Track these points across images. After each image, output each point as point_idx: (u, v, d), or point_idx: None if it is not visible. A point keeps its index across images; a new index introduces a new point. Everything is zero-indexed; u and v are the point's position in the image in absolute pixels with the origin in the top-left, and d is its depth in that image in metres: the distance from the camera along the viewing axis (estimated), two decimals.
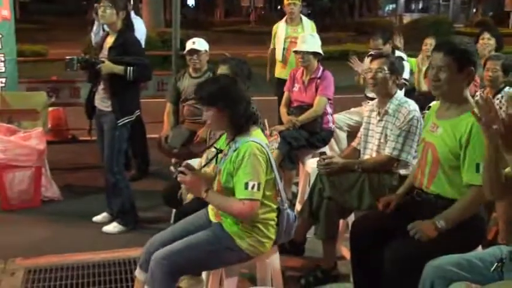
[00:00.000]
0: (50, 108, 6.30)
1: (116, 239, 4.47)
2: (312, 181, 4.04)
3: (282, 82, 5.84)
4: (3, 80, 5.59)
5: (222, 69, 4.22)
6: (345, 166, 3.71)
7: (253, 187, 2.74)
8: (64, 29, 23.68)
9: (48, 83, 6.69)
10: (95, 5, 4.42)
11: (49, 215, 4.94)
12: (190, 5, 40.95)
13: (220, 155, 2.98)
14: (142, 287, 2.99)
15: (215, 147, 3.07)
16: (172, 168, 3.11)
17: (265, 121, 4.27)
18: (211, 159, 3.05)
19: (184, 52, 5.14)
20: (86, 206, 5.09)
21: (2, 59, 5.55)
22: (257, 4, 33.87)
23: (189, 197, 3.48)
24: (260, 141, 2.84)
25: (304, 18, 6.47)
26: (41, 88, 6.28)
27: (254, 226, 2.89)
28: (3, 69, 5.57)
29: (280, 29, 6.44)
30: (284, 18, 6.48)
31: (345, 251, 3.94)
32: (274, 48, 6.54)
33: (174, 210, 4.09)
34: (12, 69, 5.66)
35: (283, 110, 5.23)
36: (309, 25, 6.40)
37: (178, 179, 2.90)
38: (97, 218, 4.75)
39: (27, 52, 12.62)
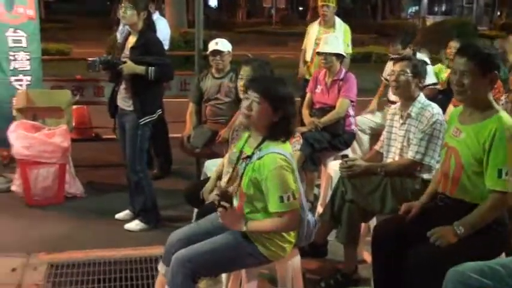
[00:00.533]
0: (74, 107, 6.37)
1: (137, 236, 4.51)
2: (334, 184, 4.04)
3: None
4: (29, 78, 5.65)
5: (245, 70, 4.23)
6: (368, 169, 3.70)
7: (288, 198, 2.75)
8: (88, 28, 23.92)
9: (73, 82, 6.76)
10: (120, 5, 4.46)
11: (72, 211, 5.00)
12: (213, 5, 41.06)
13: (242, 158, 2.97)
14: (164, 280, 3.02)
15: (237, 150, 3.08)
16: (212, 197, 3.16)
17: None
18: (236, 162, 3.05)
19: (207, 53, 5.17)
20: (108, 203, 5.14)
21: (27, 57, 5.62)
22: (279, 5, 33.87)
23: (211, 196, 3.49)
24: (284, 152, 2.81)
25: (338, 20, 6.34)
26: (66, 86, 6.35)
27: (275, 232, 2.90)
28: (28, 68, 5.64)
29: (313, 30, 6.40)
30: (318, 20, 6.44)
31: (366, 255, 3.93)
32: (305, 49, 6.51)
33: (195, 209, 4.12)
34: (37, 67, 5.73)
35: (305, 111, 5.22)
36: (342, 28, 6.31)
37: (219, 215, 2.91)
38: (119, 215, 4.79)
39: (51, 51, 12.78)
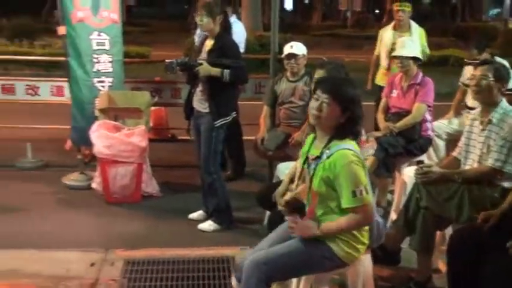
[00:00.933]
0: (153, 108, 6.54)
1: (210, 236, 4.59)
2: (408, 190, 3.95)
3: (382, 90, 5.73)
4: (111, 79, 5.84)
5: (319, 73, 4.22)
6: (444, 176, 3.60)
7: (361, 193, 2.76)
8: (167, 31, 24.53)
9: (152, 84, 6.94)
10: (196, 12, 4.56)
11: (148, 209, 5.15)
12: (288, 8, 41.11)
13: (310, 160, 2.99)
14: None
15: (302, 154, 3.09)
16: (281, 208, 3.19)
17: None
18: (303, 166, 3.05)
19: (282, 56, 5.19)
20: (183, 203, 5.25)
21: (110, 59, 5.80)
22: (355, 7, 33.45)
23: (284, 200, 3.50)
24: (352, 147, 2.84)
25: (414, 24, 6.20)
26: (145, 88, 6.52)
27: (349, 232, 2.88)
28: (110, 70, 5.83)
29: (387, 34, 6.29)
30: (392, 24, 6.32)
31: (441, 264, 3.82)
32: (378, 55, 6.41)
33: (267, 212, 4.14)
34: (119, 69, 5.92)
35: (380, 116, 5.14)
36: (417, 32, 6.17)
37: (289, 230, 2.93)
38: (193, 216, 4.89)
39: (132, 53, 13.20)
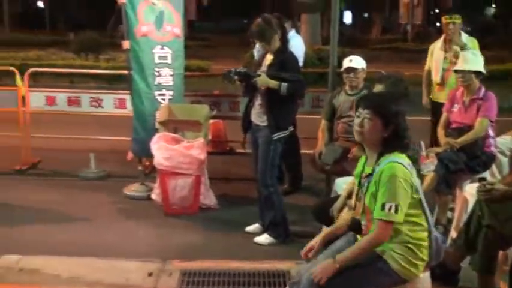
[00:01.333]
0: (211, 121, 6.63)
1: (266, 250, 4.60)
2: (469, 208, 3.85)
3: (438, 105, 5.58)
4: (171, 93, 5.96)
5: (378, 88, 4.19)
6: (508, 193, 3.49)
7: (390, 208, 2.75)
8: (226, 45, 24.86)
9: (211, 97, 7.05)
10: (252, 43, 4.63)
11: (205, 221, 5.21)
12: (347, 22, 40.94)
13: (363, 178, 2.99)
14: None
15: (356, 176, 3.09)
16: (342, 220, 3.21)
17: (422, 143, 4.15)
18: (361, 185, 3.03)
19: (341, 70, 5.17)
20: (239, 215, 5.29)
21: (171, 73, 5.93)
22: (415, 21, 32.93)
23: (342, 216, 3.48)
24: (403, 161, 2.84)
25: (464, 36, 6.08)
26: (204, 101, 6.63)
27: (407, 247, 2.85)
28: (171, 83, 5.95)
29: (438, 48, 6.17)
30: (442, 37, 6.20)
31: (503, 286, 3.69)
32: (430, 70, 6.28)
33: (324, 227, 4.11)
34: (179, 83, 6.04)
35: (441, 131, 5.02)
36: (469, 43, 6.03)
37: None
38: (249, 228, 4.91)
39: (192, 67, 13.44)
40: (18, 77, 6.79)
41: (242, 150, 6.67)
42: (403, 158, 2.87)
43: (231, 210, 5.51)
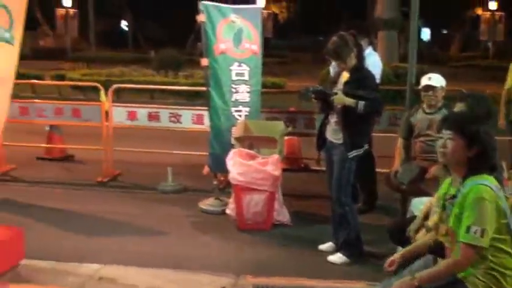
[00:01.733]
0: (286, 137, 6.65)
1: (339, 269, 4.54)
2: None
3: None
4: (248, 109, 6.05)
5: (459, 106, 4.08)
6: None
7: (475, 232, 2.65)
8: (302, 63, 24.95)
9: (286, 114, 7.09)
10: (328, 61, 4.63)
11: (278, 238, 5.21)
12: (425, 39, 40.11)
13: (447, 200, 2.91)
14: None
15: (440, 197, 3.00)
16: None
17: (503, 163, 3.99)
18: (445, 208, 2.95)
19: (419, 87, 5.07)
20: (313, 233, 5.26)
21: (248, 90, 6.02)
22: (497, 38, 31.79)
23: (419, 237, 3.39)
24: (490, 183, 2.73)
25: None
26: (279, 118, 6.67)
27: (490, 274, 2.73)
28: (248, 100, 6.04)
29: None
30: None
31: None
32: (509, 88, 6.03)
33: (399, 248, 4.02)
34: (256, 99, 6.12)
35: None
36: None
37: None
38: (323, 247, 4.87)
39: (268, 84, 13.57)
40: (102, 92, 7.11)
41: (316, 168, 6.67)
42: (490, 180, 2.76)
43: (305, 228, 5.49)
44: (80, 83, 14.17)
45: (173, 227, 5.47)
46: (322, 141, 4.77)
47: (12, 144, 7.42)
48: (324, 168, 5.01)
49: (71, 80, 15.91)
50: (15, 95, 6.65)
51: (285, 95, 12.32)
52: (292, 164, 7.51)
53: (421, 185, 4.78)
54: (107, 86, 7.60)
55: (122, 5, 36.61)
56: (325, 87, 4.69)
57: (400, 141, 5.22)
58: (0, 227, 4.56)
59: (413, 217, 3.77)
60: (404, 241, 3.65)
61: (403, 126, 5.29)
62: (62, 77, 16.85)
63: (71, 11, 27.50)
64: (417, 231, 3.51)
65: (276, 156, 5.38)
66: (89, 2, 28.28)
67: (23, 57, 6.68)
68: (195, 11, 5.82)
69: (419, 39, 35.55)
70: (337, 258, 4.66)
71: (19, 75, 6.83)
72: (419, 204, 4.06)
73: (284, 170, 5.75)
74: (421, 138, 5.03)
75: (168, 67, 17.72)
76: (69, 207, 5.94)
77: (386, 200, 6.02)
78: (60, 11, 27.24)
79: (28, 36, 24.67)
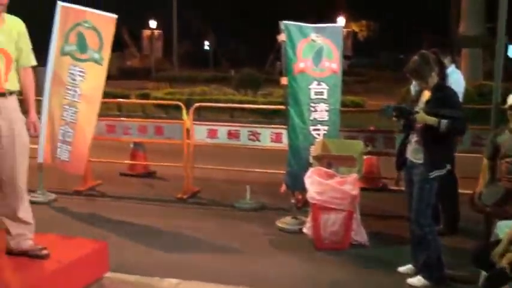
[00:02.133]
0: (365, 156, 6.58)
1: None
2: None
3: None
4: (326, 128, 6.03)
5: None
6: None
7: None
8: (381, 81, 24.65)
9: (365, 132, 7.01)
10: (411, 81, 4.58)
11: (356, 258, 5.14)
12: (511, 56, 38.59)
13: None
14: None
15: None
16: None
17: None
18: None
19: (505, 106, 4.89)
20: (391, 254, 5.15)
21: (327, 108, 6.01)
22: None
23: (504, 261, 3.26)
24: None
25: None
26: (358, 137, 6.62)
27: None
28: (326, 118, 6.03)
29: None
30: None
31: None
32: None
33: (483, 272, 3.88)
34: (335, 118, 6.09)
35: None
36: None
37: None
38: (402, 269, 4.76)
39: (346, 102, 13.50)
40: (184, 111, 7.32)
41: (395, 188, 6.54)
42: None
43: (383, 249, 5.39)
44: (163, 102, 14.68)
45: (250, 244, 5.52)
46: (402, 161, 4.68)
47: (98, 161, 7.76)
48: (403, 188, 4.91)
49: (155, 98, 16.49)
50: (103, 113, 7.03)
51: (364, 113, 12.19)
52: (371, 183, 7.41)
53: (506, 207, 4.59)
54: (188, 104, 7.82)
55: (204, 26, 37.68)
56: (408, 106, 4.62)
57: (485, 162, 5.04)
58: (87, 240, 4.77)
59: (498, 241, 3.63)
60: (490, 266, 3.52)
61: (489, 147, 5.10)
62: (146, 96, 17.50)
63: (156, 32, 28.60)
64: (502, 255, 3.37)
65: (354, 176, 5.34)
66: (173, 23, 29.29)
67: (110, 77, 7.05)
68: (275, 30, 5.91)
69: (506, 57, 34.27)
70: (417, 281, 4.53)
71: (106, 94, 7.21)
72: (504, 227, 3.92)
73: (362, 189, 5.68)
74: (508, 159, 4.83)
75: (247, 86, 18.02)
76: (150, 222, 6.13)
77: (469, 223, 5.80)
78: (146, 32, 28.40)
79: (116, 57, 25.87)
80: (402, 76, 5.26)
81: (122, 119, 8.40)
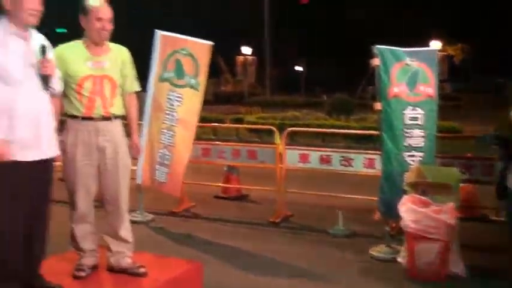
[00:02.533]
0: (462, 184, 6.35)
1: None
2: None
3: None
4: (421, 154, 5.88)
5: None
6: None
7: None
8: (478, 106, 23.75)
9: (461, 159, 6.78)
10: None
11: None
12: None
13: None
14: None
15: None
16: None
17: None
18: None
19: None
20: None
21: (422, 134, 5.87)
22: None
23: None
24: None
25: None
26: (454, 164, 6.40)
27: None
28: (421, 145, 5.87)
29: None
30: None
31: None
32: None
33: None
34: (430, 144, 5.92)
35: None
36: None
37: None
38: None
39: (443, 128, 13.09)
40: (277, 135, 7.40)
41: (496, 218, 6.25)
42: None
43: (481, 282, 5.14)
44: (256, 126, 14.91)
45: (342, 272, 5.45)
46: (502, 190, 4.49)
47: (194, 183, 7.98)
48: (504, 219, 4.69)
49: (248, 123, 16.77)
50: (199, 137, 7.24)
51: (461, 140, 11.77)
52: (469, 212, 7.10)
53: None
54: (281, 128, 7.89)
55: (296, 52, 38.05)
56: (505, 132, 4.44)
57: None
58: (182, 260, 4.91)
59: None
60: None
61: None
62: (240, 121, 17.83)
63: (250, 58, 29.22)
64: None
65: (451, 204, 5.16)
66: (266, 50, 29.81)
67: (205, 102, 7.27)
68: (367, 55, 5.89)
69: None
70: None
71: (202, 119, 7.44)
72: None
73: (459, 218, 5.47)
74: None
75: (339, 111, 17.95)
76: (242, 245, 6.20)
77: None
78: (239, 58, 29.09)
79: (211, 83, 26.63)
80: (502, 100, 5.07)
81: (217, 142, 8.59)
